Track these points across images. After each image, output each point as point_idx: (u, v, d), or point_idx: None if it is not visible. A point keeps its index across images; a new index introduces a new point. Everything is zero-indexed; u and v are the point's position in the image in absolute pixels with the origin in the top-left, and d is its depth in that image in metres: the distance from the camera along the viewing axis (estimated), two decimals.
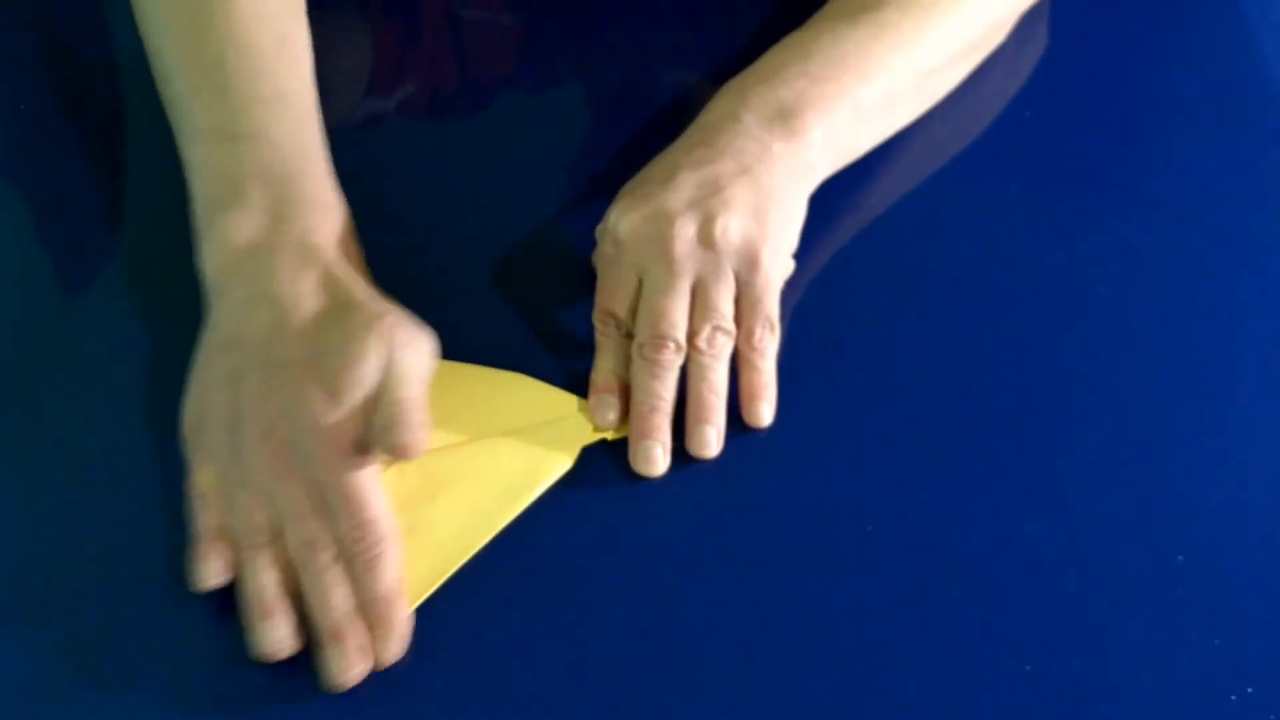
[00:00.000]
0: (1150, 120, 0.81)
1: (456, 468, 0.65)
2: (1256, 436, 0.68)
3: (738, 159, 0.68)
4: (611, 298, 0.67)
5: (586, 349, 0.69)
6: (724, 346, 0.67)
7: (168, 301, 0.70)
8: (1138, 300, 0.72)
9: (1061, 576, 0.63)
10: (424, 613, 0.61)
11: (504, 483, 0.65)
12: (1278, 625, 0.62)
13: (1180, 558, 0.63)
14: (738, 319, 0.67)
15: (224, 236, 0.64)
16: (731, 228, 0.66)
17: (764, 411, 0.67)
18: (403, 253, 0.72)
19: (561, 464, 0.65)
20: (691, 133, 0.71)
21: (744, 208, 0.67)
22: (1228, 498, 0.65)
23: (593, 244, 0.71)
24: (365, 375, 0.60)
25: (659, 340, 0.66)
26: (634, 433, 0.66)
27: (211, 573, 0.61)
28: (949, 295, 0.72)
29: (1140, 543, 0.64)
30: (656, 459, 0.65)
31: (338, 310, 0.62)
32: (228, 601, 0.61)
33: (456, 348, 0.67)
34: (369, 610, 0.60)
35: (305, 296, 0.62)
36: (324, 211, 0.65)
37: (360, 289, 0.63)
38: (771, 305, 0.67)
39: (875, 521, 0.64)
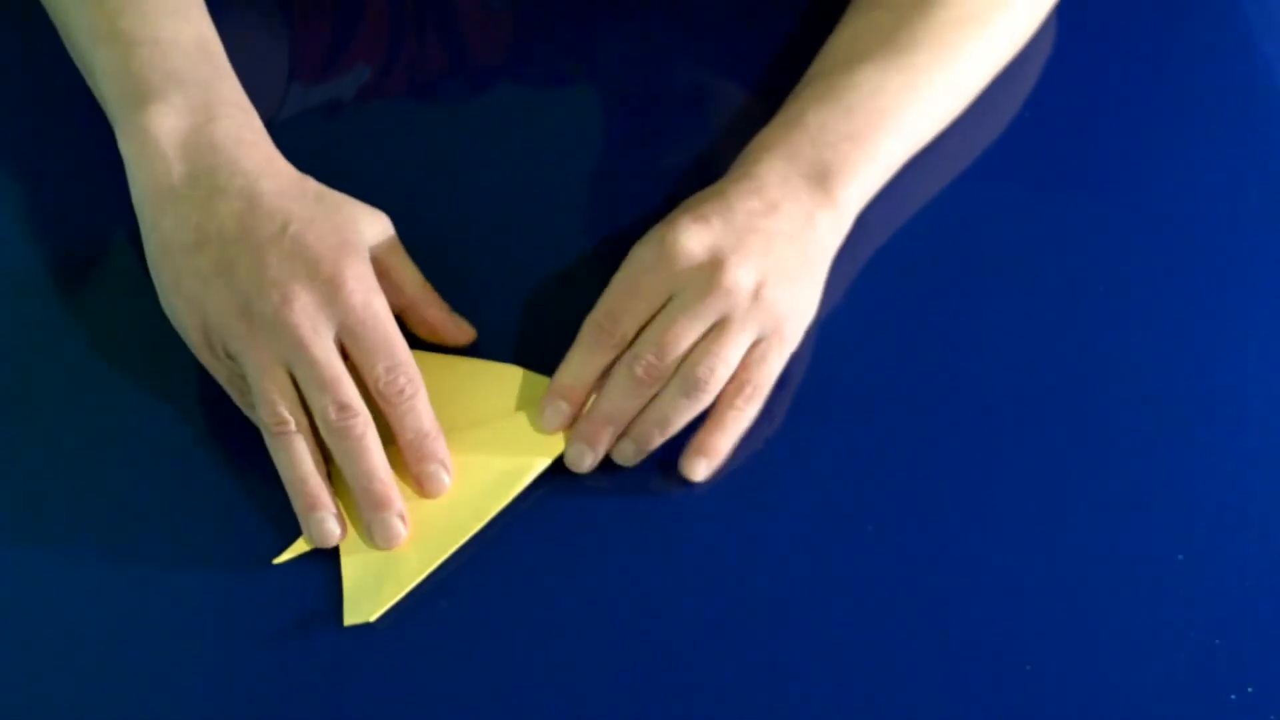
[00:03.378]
0: (1150, 121, 0.81)
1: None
2: (1256, 436, 0.67)
3: (790, 221, 0.67)
4: (629, 306, 0.65)
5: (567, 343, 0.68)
6: (715, 389, 0.65)
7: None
8: (1137, 300, 0.72)
9: (1061, 576, 0.63)
10: (418, 609, 0.62)
11: (495, 471, 0.65)
12: (1278, 625, 0.62)
13: (1180, 557, 0.63)
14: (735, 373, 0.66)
15: (154, 138, 0.65)
16: (781, 297, 0.65)
17: (702, 469, 0.65)
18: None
19: (551, 451, 0.65)
20: (742, 180, 0.68)
21: (793, 280, 0.66)
22: (1228, 498, 0.65)
23: (580, 239, 0.70)
24: (362, 227, 0.64)
25: (659, 362, 0.64)
26: (580, 434, 0.65)
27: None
28: (948, 296, 0.72)
29: (1140, 542, 0.64)
30: (586, 465, 0.65)
31: (303, 188, 0.65)
32: (224, 606, 0.62)
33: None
34: (414, 448, 0.63)
35: (265, 180, 0.64)
36: (246, 114, 0.68)
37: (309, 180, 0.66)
38: (772, 376, 0.66)
39: (876, 521, 0.64)
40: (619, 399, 0.65)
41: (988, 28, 0.75)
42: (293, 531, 0.63)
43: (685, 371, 0.64)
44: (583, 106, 0.81)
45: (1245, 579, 0.63)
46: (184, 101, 0.66)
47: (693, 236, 0.65)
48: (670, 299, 0.65)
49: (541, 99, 0.80)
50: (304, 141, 0.71)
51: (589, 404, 0.66)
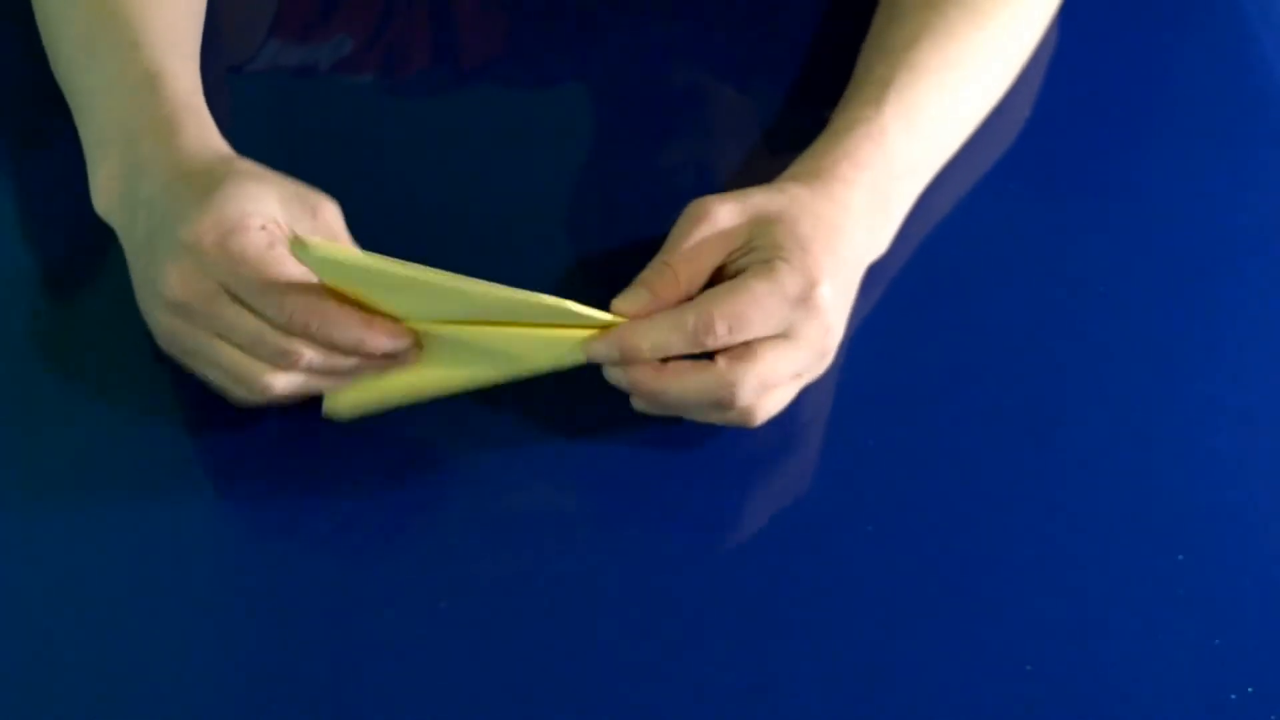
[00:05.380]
0: (1151, 121, 0.81)
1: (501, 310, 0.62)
2: (1256, 436, 0.68)
3: (861, 273, 0.68)
4: (753, 323, 0.61)
5: None
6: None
7: None
8: (1137, 300, 0.72)
9: (1062, 576, 0.63)
10: (418, 609, 0.62)
11: (518, 348, 0.62)
12: (1278, 625, 0.62)
13: (1180, 557, 0.64)
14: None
15: (97, 197, 0.67)
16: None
17: (639, 405, 0.64)
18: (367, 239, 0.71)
19: (575, 358, 0.63)
20: (843, 212, 0.66)
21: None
22: (1228, 498, 0.66)
23: (562, 237, 0.71)
24: (240, 189, 0.61)
25: (740, 404, 0.62)
26: (633, 384, 0.62)
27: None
28: (948, 295, 0.72)
29: (1140, 542, 0.64)
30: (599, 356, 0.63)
31: (208, 176, 0.63)
32: (221, 603, 0.62)
33: None
34: (363, 356, 0.61)
35: (175, 174, 0.63)
36: (172, 125, 0.66)
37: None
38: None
39: (876, 521, 0.64)
40: (681, 388, 0.62)
41: (1019, 40, 0.76)
42: (291, 530, 0.63)
43: (742, 406, 0.63)
44: (570, 105, 0.80)
45: (1245, 579, 0.63)
46: (118, 149, 0.66)
47: (833, 294, 0.63)
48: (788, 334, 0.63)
49: (526, 97, 0.80)
50: (269, 100, 0.70)
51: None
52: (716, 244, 0.64)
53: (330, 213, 0.64)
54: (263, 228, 0.61)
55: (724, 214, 0.64)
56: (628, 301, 0.63)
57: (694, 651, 0.61)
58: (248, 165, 0.64)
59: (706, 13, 0.83)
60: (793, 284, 0.62)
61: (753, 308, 0.61)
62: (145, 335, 0.66)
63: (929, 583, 0.63)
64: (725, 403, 0.62)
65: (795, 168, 0.68)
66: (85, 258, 0.73)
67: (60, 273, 0.72)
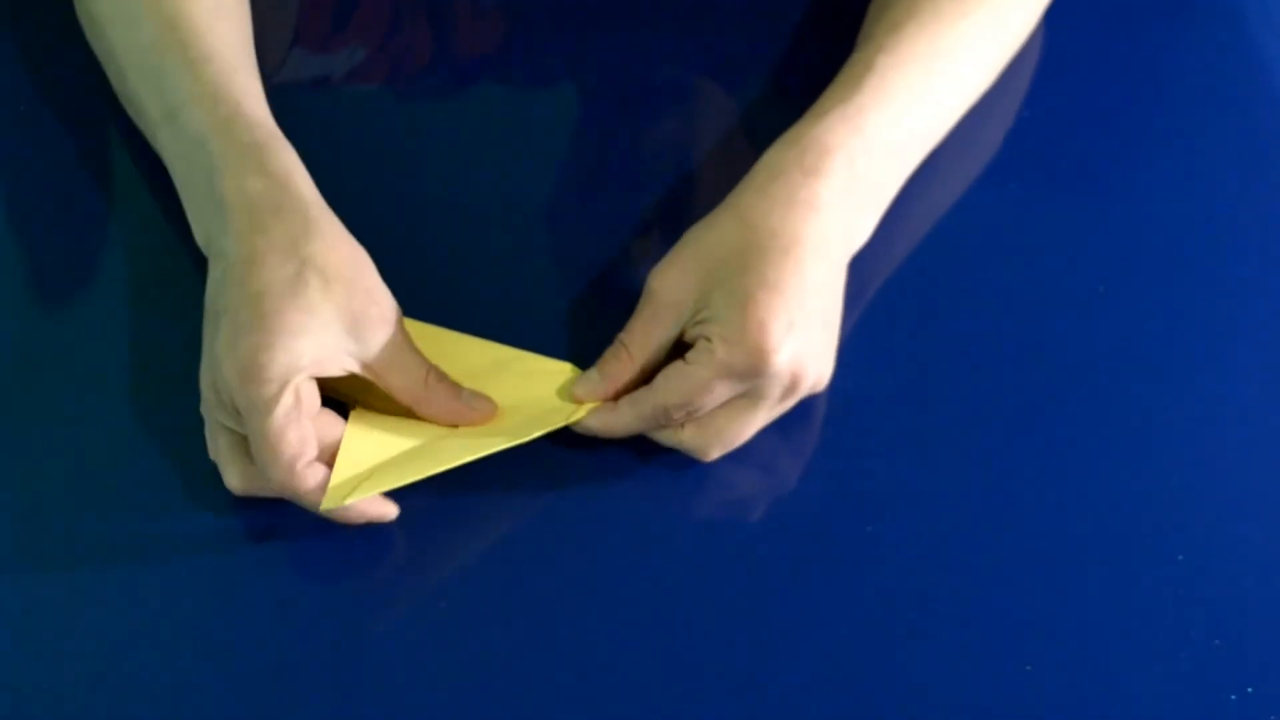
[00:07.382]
0: (1149, 120, 0.81)
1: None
2: (1256, 436, 0.68)
3: (840, 278, 0.67)
4: (704, 404, 0.63)
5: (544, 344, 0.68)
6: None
7: (168, 299, 0.70)
8: (1136, 300, 0.72)
9: (1062, 576, 0.63)
10: (417, 609, 0.62)
11: (505, 419, 0.65)
12: (1278, 625, 0.62)
13: (1180, 557, 0.64)
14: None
15: (194, 228, 0.66)
16: (812, 382, 0.65)
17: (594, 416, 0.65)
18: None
19: (565, 419, 0.65)
20: (811, 213, 0.65)
21: (828, 360, 0.66)
22: (1228, 498, 0.66)
23: (557, 238, 0.71)
24: (307, 333, 0.60)
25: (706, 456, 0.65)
26: (603, 410, 0.65)
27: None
28: (946, 295, 0.72)
29: (1140, 543, 0.64)
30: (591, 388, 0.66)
31: (278, 269, 0.62)
32: (221, 603, 0.62)
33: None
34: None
35: (247, 243, 0.62)
36: (251, 168, 0.65)
37: (299, 238, 0.63)
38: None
39: (875, 521, 0.64)
40: (643, 428, 0.65)
41: (1010, 26, 0.76)
42: (290, 531, 0.64)
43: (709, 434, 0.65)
44: (567, 106, 0.80)
45: (1245, 579, 0.63)
46: (204, 177, 0.66)
47: (786, 349, 0.62)
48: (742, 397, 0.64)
49: (526, 97, 0.80)
50: (288, 109, 0.70)
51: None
52: (667, 319, 0.64)
53: (390, 327, 0.63)
54: (296, 392, 0.60)
55: (670, 286, 0.65)
56: (585, 389, 0.65)
57: (693, 652, 0.61)
58: (321, 247, 0.63)
59: (702, 17, 0.83)
60: (738, 361, 0.62)
61: (702, 394, 0.63)
62: (142, 336, 0.66)
63: (928, 583, 0.63)
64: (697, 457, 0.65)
65: (760, 165, 0.67)
66: (84, 258, 0.73)
67: (59, 274, 0.72)
